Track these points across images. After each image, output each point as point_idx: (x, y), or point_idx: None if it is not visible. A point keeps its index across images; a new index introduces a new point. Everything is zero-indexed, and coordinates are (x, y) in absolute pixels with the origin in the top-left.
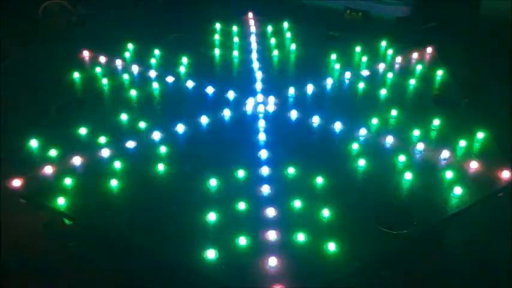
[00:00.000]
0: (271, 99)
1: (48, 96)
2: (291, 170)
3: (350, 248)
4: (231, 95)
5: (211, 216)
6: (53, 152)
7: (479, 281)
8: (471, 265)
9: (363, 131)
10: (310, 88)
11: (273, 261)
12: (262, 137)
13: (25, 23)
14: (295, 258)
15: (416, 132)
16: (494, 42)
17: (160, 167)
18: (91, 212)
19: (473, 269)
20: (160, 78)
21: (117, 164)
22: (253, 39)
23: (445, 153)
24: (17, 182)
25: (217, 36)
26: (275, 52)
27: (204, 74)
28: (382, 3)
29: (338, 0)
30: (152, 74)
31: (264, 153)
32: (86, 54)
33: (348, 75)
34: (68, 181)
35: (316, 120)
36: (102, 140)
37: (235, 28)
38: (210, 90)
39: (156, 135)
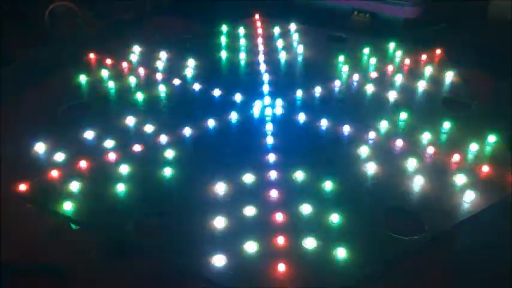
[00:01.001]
0: (279, 102)
1: (54, 100)
2: (299, 174)
3: (360, 253)
4: (238, 97)
5: (219, 221)
6: (59, 156)
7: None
8: (483, 270)
9: (372, 134)
10: (318, 90)
11: (281, 267)
12: (269, 140)
13: (31, 24)
14: (304, 264)
15: (426, 136)
16: (505, 42)
17: (167, 171)
18: (98, 216)
19: (485, 275)
20: (167, 81)
21: (124, 168)
22: (260, 41)
23: (456, 157)
24: (23, 186)
25: (223, 38)
26: (282, 54)
27: (211, 77)
28: (390, 4)
29: (345, 1)
30: (159, 76)
31: (271, 157)
32: (92, 56)
33: (356, 77)
34: (74, 185)
35: (324, 123)
36: (109, 143)
37: (241, 30)
38: (216, 92)
39: (163, 139)
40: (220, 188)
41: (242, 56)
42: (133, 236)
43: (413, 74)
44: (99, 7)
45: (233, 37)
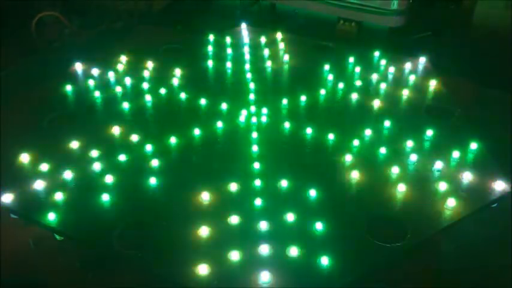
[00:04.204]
0: (265, 111)
1: (40, 109)
2: (284, 183)
3: (343, 261)
4: (224, 106)
5: (203, 231)
6: (44, 166)
7: None
8: (465, 277)
9: (356, 142)
10: (303, 99)
11: (265, 276)
12: (255, 149)
13: (19, 34)
14: (287, 272)
15: (409, 143)
16: (488, 51)
17: (153, 181)
18: (82, 227)
19: (467, 281)
20: (153, 91)
21: (109, 178)
22: (246, 50)
23: (439, 164)
24: (7, 197)
25: (210, 48)
26: (268, 63)
27: (197, 86)
28: (375, 13)
29: (331, 11)
30: (145, 86)
31: (256, 166)
32: (78, 66)
33: (341, 86)
34: (59, 196)
35: (309, 131)
36: (94, 153)
37: (228, 39)
38: (203, 101)
39: (149, 148)
40: (205, 197)
41: (229, 65)
42: (117, 246)
43: (398, 82)
44: (86, 17)
45: (220, 46)
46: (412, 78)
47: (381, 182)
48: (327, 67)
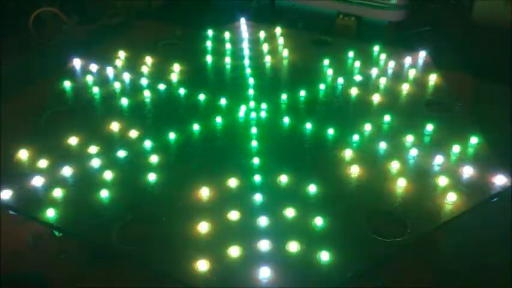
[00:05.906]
0: (264, 106)
1: (38, 105)
2: (283, 178)
3: (343, 257)
4: (223, 102)
5: (203, 226)
6: (42, 163)
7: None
8: (466, 272)
9: (356, 137)
10: (302, 94)
11: (265, 272)
12: (254, 144)
13: (17, 30)
14: (287, 268)
15: (409, 138)
16: (487, 45)
17: (152, 177)
18: (81, 223)
19: (468, 276)
20: (152, 86)
21: (108, 174)
22: (245, 45)
23: (439, 159)
24: (6, 194)
25: (209, 43)
26: (267, 58)
27: (196, 81)
28: (375, 7)
29: (331, 5)
30: (144, 81)
31: (256, 161)
32: (77, 62)
33: (340, 80)
34: (57, 192)
35: (308, 126)
36: (93, 149)
37: (227, 34)
38: (202, 97)
39: (148, 144)
40: (205, 193)
41: (228, 61)
42: (117, 243)
43: (398, 76)
44: (85, 13)
45: (219, 42)
46: (412, 72)
47: (380, 176)
48: (326, 62)
